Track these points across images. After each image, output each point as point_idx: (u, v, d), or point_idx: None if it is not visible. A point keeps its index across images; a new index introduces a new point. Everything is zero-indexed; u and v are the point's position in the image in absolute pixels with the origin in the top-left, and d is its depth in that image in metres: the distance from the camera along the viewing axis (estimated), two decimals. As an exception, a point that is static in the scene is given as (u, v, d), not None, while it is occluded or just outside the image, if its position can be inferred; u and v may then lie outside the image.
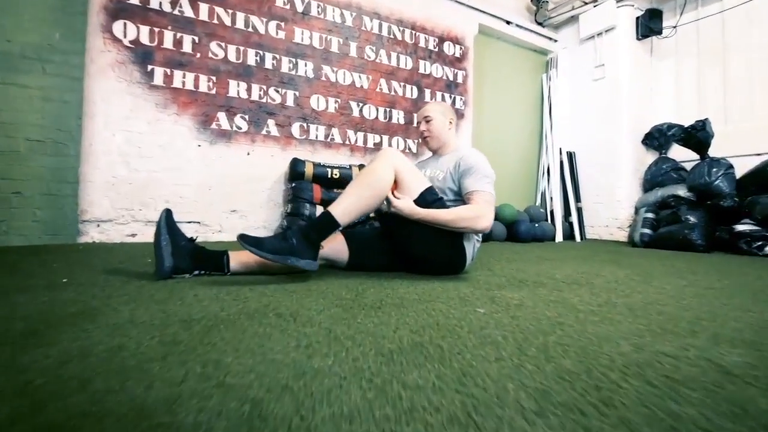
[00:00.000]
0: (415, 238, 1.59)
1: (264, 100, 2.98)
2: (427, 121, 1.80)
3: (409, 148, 3.65)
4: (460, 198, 1.63)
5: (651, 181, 3.93)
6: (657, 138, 4.01)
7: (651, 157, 4.21)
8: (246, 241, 1.29)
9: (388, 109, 3.52)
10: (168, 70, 2.67)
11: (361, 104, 3.39)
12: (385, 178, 1.48)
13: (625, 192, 4.09)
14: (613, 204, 4.14)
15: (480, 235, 1.80)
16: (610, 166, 4.16)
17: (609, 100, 4.19)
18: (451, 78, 3.91)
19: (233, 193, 2.87)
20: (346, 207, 1.42)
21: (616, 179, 4.12)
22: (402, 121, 3.60)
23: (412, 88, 3.66)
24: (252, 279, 1.41)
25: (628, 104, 4.11)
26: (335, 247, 1.60)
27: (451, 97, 3.90)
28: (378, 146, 3.46)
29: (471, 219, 1.50)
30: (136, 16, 2.59)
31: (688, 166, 3.77)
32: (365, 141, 3.40)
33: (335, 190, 2.93)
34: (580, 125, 4.47)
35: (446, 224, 1.48)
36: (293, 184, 2.85)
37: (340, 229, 1.65)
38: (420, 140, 1.88)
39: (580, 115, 4.47)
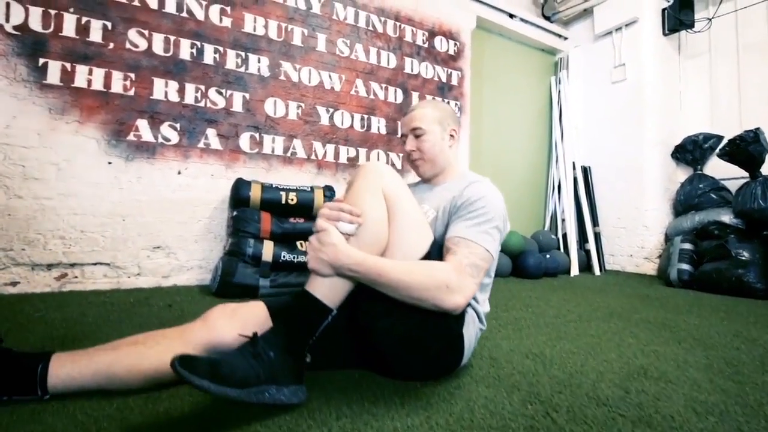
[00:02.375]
0: (382, 320, 0.95)
1: (202, 104, 2.33)
2: (417, 136, 1.16)
3: (393, 164, 3.00)
4: None
5: (685, 203, 3.27)
6: (691, 151, 3.36)
7: (683, 173, 3.55)
8: (192, 370, 0.72)
9: (365, 116, 2.88)
10: (68, 65, 2.02)
11: (331, 110, 2.74)
12: (376, 218, 0.92)
13: (652, 215, 3.42)
14: (638, 229, 3.47)
15: (485, 304, 1.15)
16: (635, 184, 3.50)
17: (631, 105, 3.54)
18: (444, 79, 3.27)
19: (157, 225, 2.20)
20: (332, 281, 0.89)
21: (641, 200, 3.46)
22: (383, 131, 2.95)
23: (396, 91, 3.02)
24: (93, 407, 0.75)
25: (654, 111, 3.46)
26: (258, 328, 0.97)
27: (444, 101, 3.25)
28: (353, 161, 2.81)
29: (436, 288, 0.87)
30: (24, -6, 1.95)
31: (732, 184, 3.11)
32: (336, 155, 2.75)
33: (292, 220, 2.27)
34: (596, 135, 3.82)
35: (393, 287, 0.87)
36: (235, 213, 2.19)
37: (268, 304, 1.04)
38: (406, 162, 1.25)
39: (596, 123, 3.82)
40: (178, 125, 2.26)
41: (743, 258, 2.57)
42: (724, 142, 3.03)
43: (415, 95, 3.10)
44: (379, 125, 2.93)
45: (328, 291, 0.89)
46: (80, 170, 2.04)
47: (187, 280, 2.27)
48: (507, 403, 0.90)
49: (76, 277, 2.03)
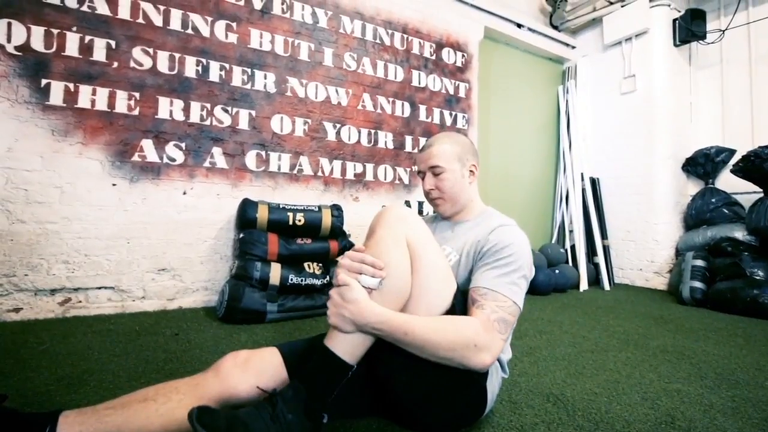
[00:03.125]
0: (403, 373, 0.91)
1: (207, 123, 2.29)
2: (436, 174, 1.11)
3: (400, 178, 2.95)
4: None
5: (696, 218, 3.22)
6: (702, 164, 3.31)
7: (693, 187, 3.50)
8: (208, 426, 0.71)
9: (372, 131, 2.83)
10: (71, 85, 1.98)
11: (338, 125, 2.70)
12: (400, 270, 0.88)
13: (663, 229, 3.37)
14: (647, 243, 3.42)
15: (508, 351, 1.11)
16: (644, 197, 3.45)
17: (641, 116, 3.49)
18: (452, 92, 3.22)
19: (162, 246, 2.16)
20: (354, 337, 0.85)
21: (651, 213, 3.40)
22: (390, 146, 2.90)
23: (403, 105, 2.97)
24: None
25: (665, 122, 3.41)
26: (273, 380, 0.94)
27: (451, 114, 3.21)
28: (360, 176, 2.76)
29: (463, 347, 0.83)
30: (27, 14, 1.91)
31: (744, 199, 3.06)
32: (343, 171, 2.71)
33: (299, 241, 2.22)
34: (605, 146, 3.77)
35: (419, 345, 0.83)
36: (241, 235, 2.14)
37: (282, 351, 1.02)
38: (426, 199, 1.21)
39: (604, 134, 3.77)
40: (183, 144, 2.22)
41: (758, 278, 2.52)
42: (737, 156, 2.97)
43: (422, 108, 3.05)
44: (386, 140, 2.88)
45: (349, 347, 0.85)
46: (84, 193, 2.00)
47: (193, 303, 2.23)
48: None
49: (80, 301, 1.99)
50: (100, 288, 2.03)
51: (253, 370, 0.97)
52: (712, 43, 3.36)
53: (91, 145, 2.02)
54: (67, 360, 1.39)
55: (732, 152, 3.17)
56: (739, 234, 2.84)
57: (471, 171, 1.14)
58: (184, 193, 2.22)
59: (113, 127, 2.06)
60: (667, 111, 3.42)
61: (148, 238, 2.13)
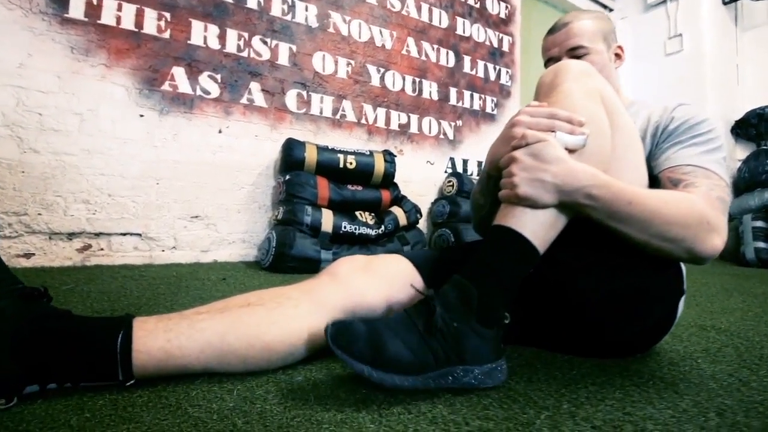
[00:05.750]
0: (587, 276, 0.69)
1: (245, 54, 2.02)
2: (578, 57, 0.87)
3: (445, 133, 2.71)
4: None
5: (750, 180, 3.04)
6: (755, 125, 3.14)
7: (742, 150, 3.34)
8: (347, 349, 0.53)
9: (417, 79, 2.59)
10: (93, -3, 1.70)
11: (382, 70, 2.45)
12: (601, 130, 0.65)
13: (713, 194, 3.19)
14: (696, 210, 3.23)
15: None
16: (692, 162, 3.27)
17: (689, 78, 3.31)
18: (496, 44, 3.00)
19: (195, 191, 1.89)
20: (547, 215, 0.61)
21: (700, 178, 3.22)
22: (435, 96, 2.66)
23: (448, 53, 2.74)
24: (207, 397, 0.44)
25: (714, 84, 3.24)
26: (407, 291, 0.69)
27: (495, 68, 2.98)
28: (404, 127, 2.52)
29: (697, 223, 0.61)
30: None
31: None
32: (387, 120, 2.46)
33: (350, 187, 1.97)
34: (645, 112, 3.58)
35: (646, 220, 0.61)
36: (287, 177, 1.88)
37: (411, 257, 0.79)
38: None
39: (648, 97, 3.58)
40: (218, 77, 1.95)
41: (836, 235, 2.35)
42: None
43: (467, 59, 2.82)
44: (431, 90, 2.64)
45: (539, 228, 0.59)
46: (107, 123, 1.72)
47: (230, 256, 1.96)
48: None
49: (102, 249, 1.71)
50: (125, 234, 1.75)
51: (379, 275, 0.73)
52: (761, 0, 3.20)
53: (116, 69, 1.74)
54: (103, 298, 1.12)
55: (788, 112, 3.02)
56: (805, 195, 2.67)
57: (617, 54, 0.92)
58: (220, 132, 1.95)
59: (141, 50, 1.79)
60: (716, 72, 3.25)
61: (179, 180, 1.85)
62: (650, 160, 0.76)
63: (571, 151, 0.60)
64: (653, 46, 3.54)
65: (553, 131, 0.61)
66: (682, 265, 0.76)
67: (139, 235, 1.77)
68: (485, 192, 0.81)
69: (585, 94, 0.67)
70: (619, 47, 0.92)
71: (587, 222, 0.62)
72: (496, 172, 0.68)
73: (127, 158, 1.75)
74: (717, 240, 0.62)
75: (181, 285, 1.34)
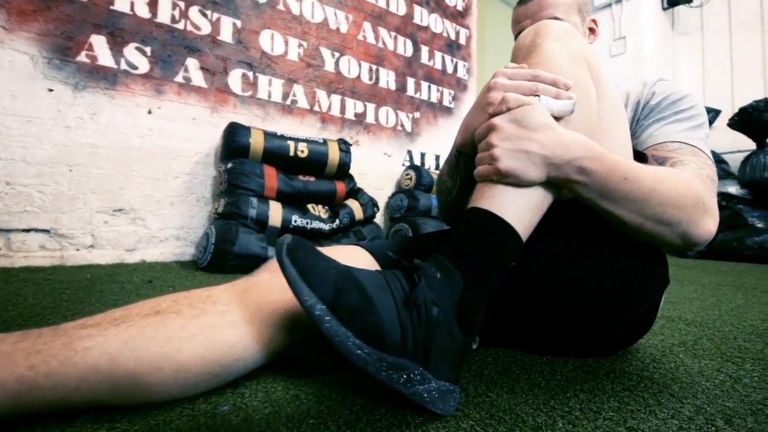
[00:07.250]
0: (571, 265, 0.60)
1: (180, 26, 1.79)
2: None
3: (402, 125, 2.61)
4: None
5: (686, 177, 3.25)
6: (690, 125, 3.35)
7: (678, 149, 3.56)
8: (303, 273, 0.37)
9: (374, 67, 2.47)
10: (-17, -56, 1.41)
11: (337, 54, 2.30)
12: (588, 94, 0.56)
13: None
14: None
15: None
16: (635, 160, 3.44)
17: (632, 79, 3.47)
18: (453, 36, 2.95)
19: (119, 180, 1.64)
20: (531, 194, 0.49)
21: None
22: (392, 86, 2.56)
23: (405, 42, 2.64)
24: None
25: (654, 85, 3.42)
26: None
27: (452, 61, 2.94)
28: (360, 117, 2.39)
29: (693, 204, 0.52)
30: None
31: (730, 158, 3.13)
32: (342, 109, 2.32)
33: (302, 178, 1.81)
34: (592, 111, 3.72)
35: (641, 198, 0.51)
36: (229, 165, 1.68)
37: (369, 248, 0.68)
38: None
39: (595, 98, 3.73)
40: (148, 49, 1.71)
41: (760, 226, 2.54)
42: (725, 114, 3.02)
43: (424, 50, 2.74)
44: (388, 79, 2.53)
45: (522, 210, 0.48)
46: (6, 97, 1.44)
47: (161, 255, 1.73)
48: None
49: (-2, 248, 1.42)
50: (28, 230, 1.47)
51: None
52: (700, 6, 3.43)
53: (19, 33, 1.46)
54: (-15, 305, 0.89)
55: (717, 112, 3.24)
56: (733, 189, 2.87)
57: (591, 29, 0.86)
58: (149, 113, 1.71)
59: (52, 13, 1.51)
60: (657, 74, 3.43)
61: (98, 167, 1.59)
62: (631, 138, 0.69)
63: (556, 119, 0.51)
64: (599, 47, 3.68)
65: (536, 95, 0.51)
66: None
67: (47, 231, 1.50)
68: (454, 173, 0.70)
69: (569, 56, 0.58)
70: (594, 21, 0.87)
71: (565, 205, 0.53)
72: (469, 148, 0.57)
73: (32, 140, 1.47)
74: (711, 223, 0.55)
75: (93, 290, 1.13)
